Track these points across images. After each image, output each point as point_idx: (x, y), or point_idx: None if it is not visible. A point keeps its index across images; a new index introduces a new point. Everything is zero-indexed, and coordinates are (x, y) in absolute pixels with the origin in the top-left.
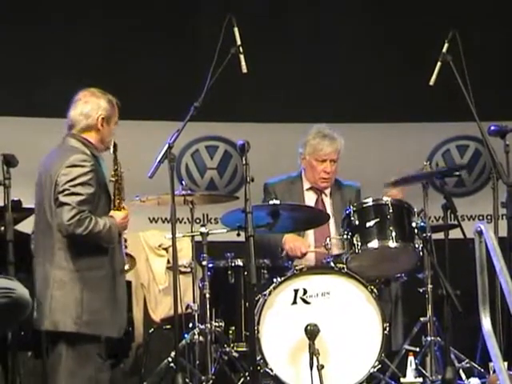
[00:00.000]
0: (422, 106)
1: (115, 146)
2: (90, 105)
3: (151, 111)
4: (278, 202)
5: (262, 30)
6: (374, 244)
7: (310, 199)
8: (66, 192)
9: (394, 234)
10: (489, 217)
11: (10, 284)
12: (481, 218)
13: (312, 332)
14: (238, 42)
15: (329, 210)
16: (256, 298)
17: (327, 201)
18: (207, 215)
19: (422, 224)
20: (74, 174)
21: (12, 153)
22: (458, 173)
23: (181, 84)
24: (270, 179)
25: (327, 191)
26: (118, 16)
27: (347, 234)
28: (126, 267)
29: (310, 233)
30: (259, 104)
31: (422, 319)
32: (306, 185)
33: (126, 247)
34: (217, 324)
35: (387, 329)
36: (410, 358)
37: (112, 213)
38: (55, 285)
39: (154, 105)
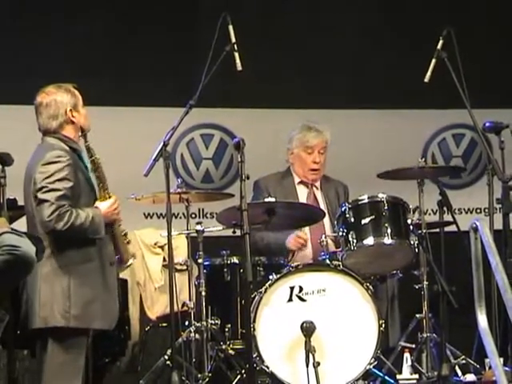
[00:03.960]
0: (418, 93)
1: (85, 135)
2: (52, 106)
3: (151, 97)
4: (273, 199)
5: (262, 16)
6: (369, 241)
7: (301, 193)
8: (44, 189)
9: (389, 230)
10: (485, 210)
11: (15, 241)
12: (478, 211)
13: (308, 329)
14: (233, 40)
15: (321, 203)
16: (252, 296)
17: (319, 194)
18: (203, 210)
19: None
20: (51, 171)
21: (7, 142)
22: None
23: (180, 70)
24: (259, 177)
25: (317, 184)
26: (119, 9)
27: (342, 231)
28: (131, 261)
29: (306, 231)
30: (256, 90)
31: (417, 316)
32: (296, 179)
33: (128, 242)
34: (213, 322)
35: (383, 325)
36: (406, 355)
37: (97, 203)
38: (42, 281)
39: (153, 91)
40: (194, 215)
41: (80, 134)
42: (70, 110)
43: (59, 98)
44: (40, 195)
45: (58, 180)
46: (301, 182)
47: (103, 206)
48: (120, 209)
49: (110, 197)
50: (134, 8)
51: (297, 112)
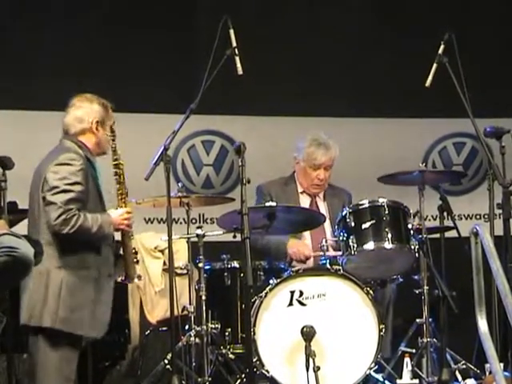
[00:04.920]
0: (419, 101)
1: (113, 132)
2: (83, 109)
3: (150, 103)
4: (274, 203)
5: (261, 22)
6: (369, 245)
7: (304, 202)
8: (55, 190)
9: (389, 235)
10: (486, 216)
11: (14, 242)
12: (478, 217)
13: (308, 334)
14: (234, 44)
15: (323, 213)
16: (252, 300)
17: (321, 204)
18: (203, 215)
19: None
20: (64, 173)
21: (8, 147)
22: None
23: (180, 75)
24: (262, 182)
25: (321, 195)
26: (119, 11)
27: (343, 236)
28: (136, 280)
29: (307, 235)
30: (256, 97)
31: (418, 320)
32: (300, 188)
33: (137, 261)
34: (213, 326)
35: (383, 330)
36: (406, 360)
37: (109, 211)
38: (35, 279)
39: (152, 97)
40: (194, 220)
41: (109, 133)
42: (97, 121)
43: (93, 106)
44: (49, 197)
45: (71, 183)
46: (303, 192)
47: (115, 213)
48: (133, 221)
49: (126, 206)
50: (133, 8)
51: (296, 119)
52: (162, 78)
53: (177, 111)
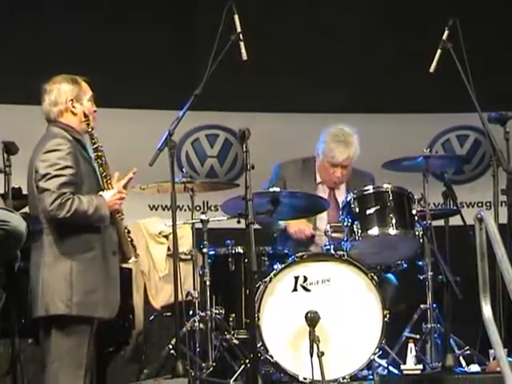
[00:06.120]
0: (421, 96)
1: (87, 121)
2: (53, 92)
3: (151, 100)
4: (277, 189)
5: (263, 18)
6: (374, 231)
7: (323, 192)
8: (47, 177)
9: (394, 221)
10: (488, 204)
11: (5, 216)
12: (480, 204)
13: (312, 319)
14: (238, 29)
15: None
16: (256, 285)
17: (340, 198)
18: (207, 202)
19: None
20: (52, 159)
21: (12, 140)
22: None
23: (181, 72)
24: (281, 161)
25: (341, 187)
26: (118, 4)
27: (347, 221)
28: (133, 259)
29: (324, 219)
30: (260, 93)
31: (422, 306)
32: (318, 179)
33: (131, 240)
34: (217, 311)
35: (387, 316)
36: (410, 345)
37: (100, 193)
38: (44, 270)
39: (153, 93)
40: (198, 207)
41: (83, 119)
42: (71, 99)
43: (62, 86)
44: (41, 184)
45: (61, 168)
46: (321, 183)
47: (107, 194)
48: (123, 199)
49: (112, 187)
50: (133, 8)
51: (299, 116)
52: (163, 78)
53: (178, 108)
